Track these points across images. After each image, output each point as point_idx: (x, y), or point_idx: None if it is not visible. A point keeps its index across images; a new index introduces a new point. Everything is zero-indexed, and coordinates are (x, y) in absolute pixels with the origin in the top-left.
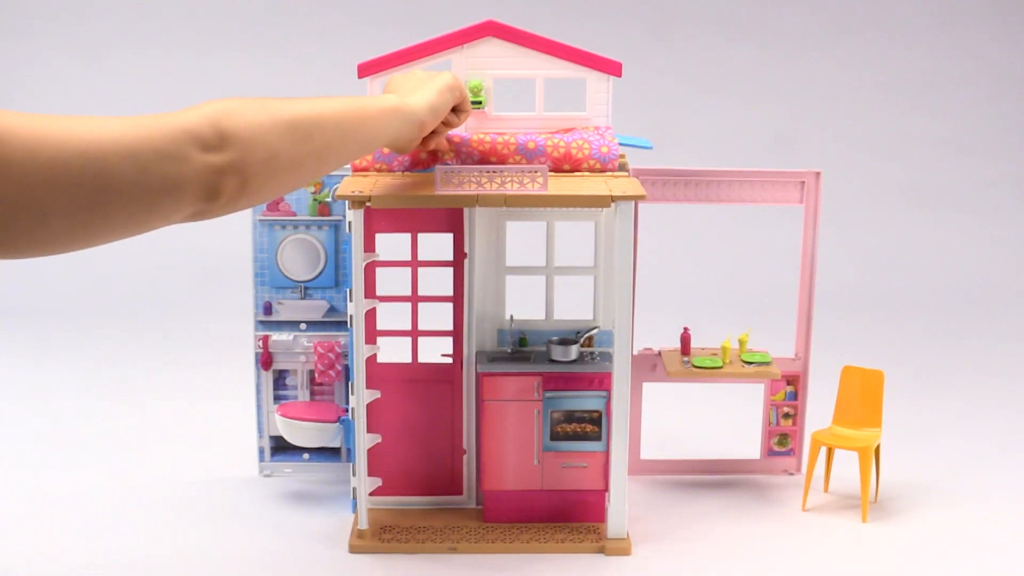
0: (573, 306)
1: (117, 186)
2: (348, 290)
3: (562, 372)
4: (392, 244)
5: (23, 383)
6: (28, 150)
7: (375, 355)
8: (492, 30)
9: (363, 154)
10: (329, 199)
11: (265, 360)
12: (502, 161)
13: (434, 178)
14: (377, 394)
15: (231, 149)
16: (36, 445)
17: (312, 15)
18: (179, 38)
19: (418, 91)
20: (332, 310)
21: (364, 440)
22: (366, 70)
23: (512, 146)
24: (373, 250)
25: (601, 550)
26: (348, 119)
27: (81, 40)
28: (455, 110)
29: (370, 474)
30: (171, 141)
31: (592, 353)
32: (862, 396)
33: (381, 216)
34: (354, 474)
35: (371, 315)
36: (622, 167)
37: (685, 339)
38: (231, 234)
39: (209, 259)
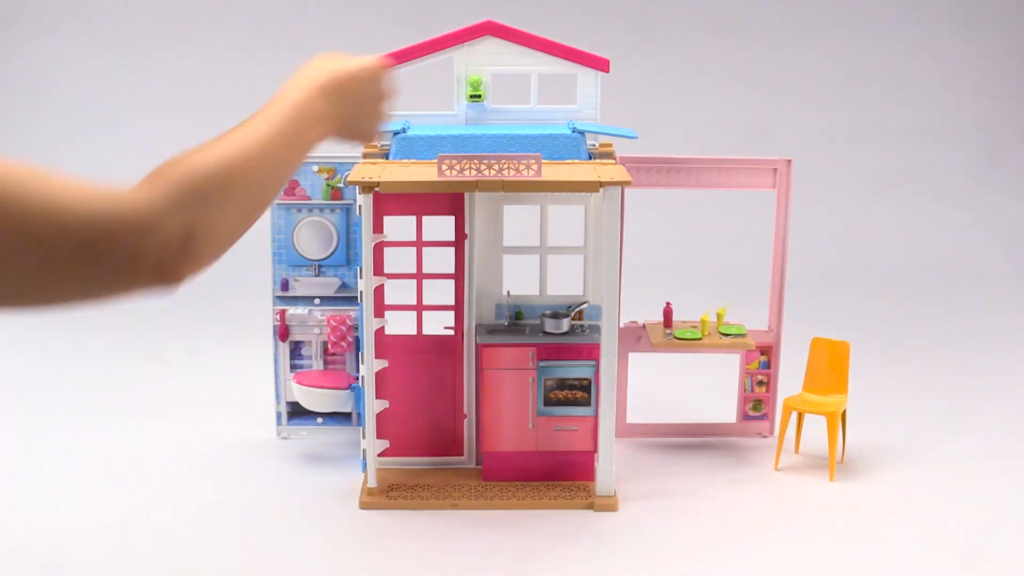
0: (565, 282)
1: (67, 256)
2: (358, 268)
3: (555, 343)
4: (399, 226)
5: (60, 352)
6: None
7: (383, 327)
8: (491, 29)
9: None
10: (341, 184)
11: (282, 332)
12: None
13: (437, 165)
14: (385, 363)
15: (186, 219)
16: (72, 408)
17: (313, 15)
18: (179, 38)
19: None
20: (344, 286)
21: (373, 405)
22: None
23: None
24: (381, 231)
25: (590, 506)
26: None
27: (105, 37)
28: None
29: (378, 437)
30: (123, 219)
31: (582, 326)
32: (830, 365)
33: (389, 200)
34: (364, 437)
35: (379, 291)
36: (609, 155)
37: (667, 313)
38: None
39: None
